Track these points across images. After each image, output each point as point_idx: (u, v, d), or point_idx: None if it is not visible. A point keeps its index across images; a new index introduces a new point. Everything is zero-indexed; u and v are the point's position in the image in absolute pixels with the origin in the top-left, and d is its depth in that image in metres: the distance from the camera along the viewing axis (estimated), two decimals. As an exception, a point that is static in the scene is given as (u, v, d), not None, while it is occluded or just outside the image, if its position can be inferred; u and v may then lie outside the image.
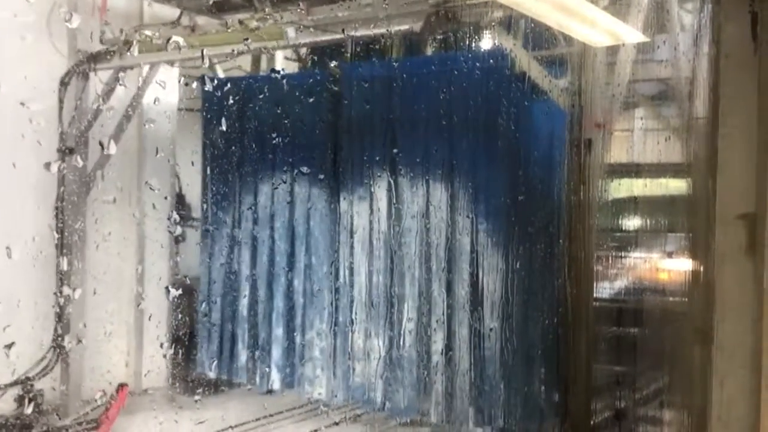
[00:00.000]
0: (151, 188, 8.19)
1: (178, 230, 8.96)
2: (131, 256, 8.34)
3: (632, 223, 6.03)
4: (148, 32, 7.22)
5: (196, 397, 7.96)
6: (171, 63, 7.38)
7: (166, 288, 8.57)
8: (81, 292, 7.66)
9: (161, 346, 8.38)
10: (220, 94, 7.41)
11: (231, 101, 7.31)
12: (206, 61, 7.22)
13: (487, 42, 6.06)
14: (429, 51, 6.54)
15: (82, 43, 7.59)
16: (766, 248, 2.03)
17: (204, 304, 7.68)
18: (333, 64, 6.82)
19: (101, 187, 7.82)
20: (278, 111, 7.03)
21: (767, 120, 1.98)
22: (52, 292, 7.55)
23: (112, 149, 6.79)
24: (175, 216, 8.82)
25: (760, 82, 2.02)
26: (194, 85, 7.83)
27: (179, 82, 8.01)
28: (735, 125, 2.06)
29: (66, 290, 7.57)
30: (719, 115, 2.07)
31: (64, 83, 7.46)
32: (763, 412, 2.13)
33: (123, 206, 8.26)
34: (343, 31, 6.10)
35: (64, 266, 7.51)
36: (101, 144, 7.22)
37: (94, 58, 7.48)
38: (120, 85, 7.62)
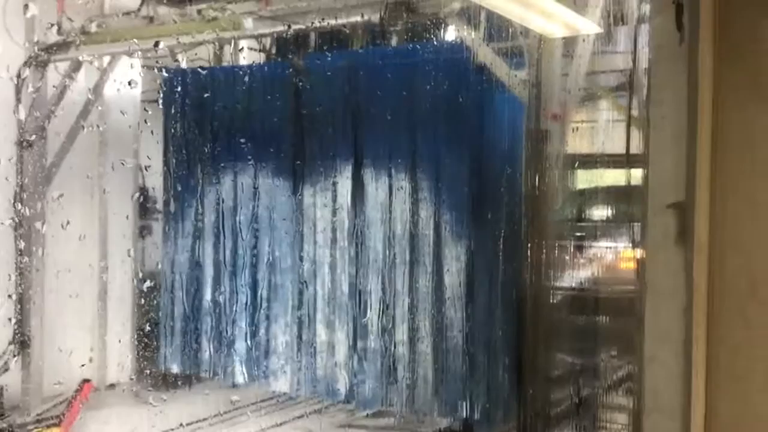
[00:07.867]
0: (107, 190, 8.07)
1: (142, 223, 8.88)
2: (94, 249, 8.24)
3: (588, 213, 6.09)
4: (106, 22, 7.11)
5: (161, 392, 7.90)
6: (131, 54, 7.27)
7: (131, 282, 8.49)
8: (42, 286, 7.55)
9: (123, 340, 8.29)
10: (181, 85, 7.32)
11: (193, 93, 7.24)
12: (167, 52, 7.12)
13: (447, 34, 6.06)
14: (391, 43, 6.53)
15: (40, 33, 7.45)
16: (695, 237, 2.05)
17: (167, 298, 7.61)
18: (295, 56, 6.79)
19: (61, 180, 7.71)
20: (240, 103, 6.97)
21: (696, 110, 2.01)
22: (12, 286, 7.43)
23: None
24: (139, 209, 8.73)
25: (689, 72, 2.04)
26: (156, 76, 7.72)
27: (140, 73, 7.90)
28: (664, 115, 2.09)
29: (26, 284, 7.45)
30: (649, 106, 2.09)
31: (20, 75, 7.32)
32: (694, 399, 2.16)
33: (85, 199, 8.14)
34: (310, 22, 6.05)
35: (24, 261, 7.39)
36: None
37: (52, 49, 7.35)
38: (79, 76, 7.49)
